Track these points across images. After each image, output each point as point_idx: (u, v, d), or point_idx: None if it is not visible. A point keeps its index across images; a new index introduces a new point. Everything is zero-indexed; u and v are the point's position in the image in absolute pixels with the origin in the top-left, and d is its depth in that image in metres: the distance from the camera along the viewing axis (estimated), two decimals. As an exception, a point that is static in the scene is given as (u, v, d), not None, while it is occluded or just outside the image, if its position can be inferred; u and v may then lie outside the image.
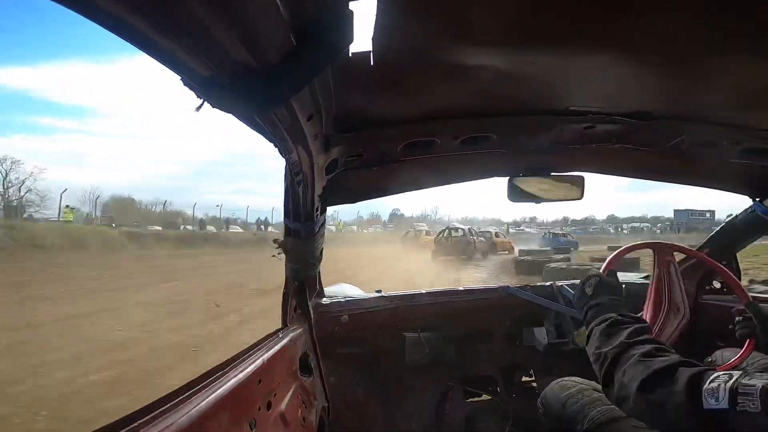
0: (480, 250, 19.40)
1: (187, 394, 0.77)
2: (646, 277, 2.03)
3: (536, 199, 1.57)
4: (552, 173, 1.56)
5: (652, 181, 1.73)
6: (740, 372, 0.68)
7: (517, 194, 1.55)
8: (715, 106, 1.12)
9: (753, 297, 1.35)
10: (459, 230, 20.19)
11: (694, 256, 1.65)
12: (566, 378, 1.33)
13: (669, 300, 1.39)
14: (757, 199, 1.47)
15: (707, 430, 0.67)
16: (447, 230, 20.31)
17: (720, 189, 1.62)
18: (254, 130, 0.75)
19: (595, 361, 0.91)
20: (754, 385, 0.64)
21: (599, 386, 1.29)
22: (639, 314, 1.18)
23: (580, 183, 1.55)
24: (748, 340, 1.26)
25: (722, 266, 1.51)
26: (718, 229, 1.70)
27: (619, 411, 1.14)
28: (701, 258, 1.61)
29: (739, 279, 1.60)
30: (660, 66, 0.92)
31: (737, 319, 1.30)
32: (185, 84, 0.52)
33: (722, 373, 0.69)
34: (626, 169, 1.68)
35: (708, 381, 0.68)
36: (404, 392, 1.79)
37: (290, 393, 1.19)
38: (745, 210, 1.54)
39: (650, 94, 1.11)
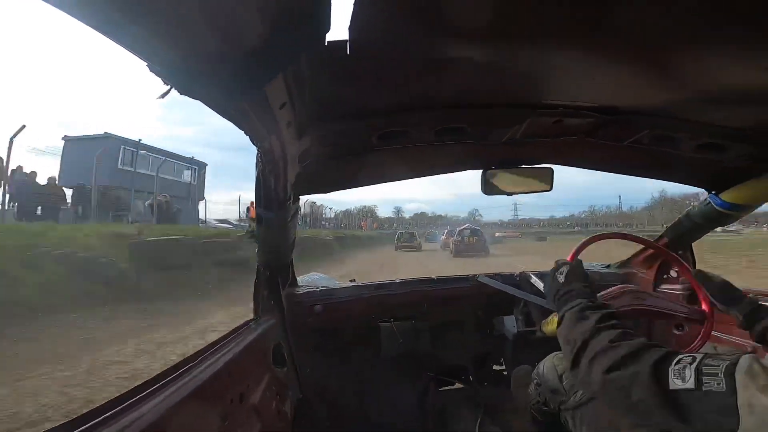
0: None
1: (155, 387, 0.75)
2: (607, 266, 2.13)
3: (508, 191, 1.60)
4: (523, 165, 1.58)
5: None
6: (704, 354, 0.70)
7: (490, 187, 1.56)
8: (678, 102, 1.15)
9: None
10: (468, 230, 23.43)
11: (649, 246, 1.73)
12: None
13: None
14: (713, 192, 1.53)
15: (672, 410, 0.67)
16: (465, 230, 23.42)
17: (678, 182, 1.68)
18: (224, 117, 0.73)
19: (564, 345, 0.92)
20: (719, 365, 0.66)
21: None
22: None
23: (549, 175, 1.58)
24: (706, 315, 1.26)
25: (675, 255, 1.60)
26: (675, 220, 1.78)
27: None
28: (655, 248, 1.70)
29: (694, 267, 1.69)
30: (627, 61, 0.93)
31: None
32: (151, 70, 0.49)
33: (686, 354, 0.71)
34: (592, 162, 1.72)
35: (674, 362, 0.70)
36: (378, 382, 1.81)
37: (263, 384, 1.18)
38: (701, 202, 1.61)
39: (617, 88, 1.13)
